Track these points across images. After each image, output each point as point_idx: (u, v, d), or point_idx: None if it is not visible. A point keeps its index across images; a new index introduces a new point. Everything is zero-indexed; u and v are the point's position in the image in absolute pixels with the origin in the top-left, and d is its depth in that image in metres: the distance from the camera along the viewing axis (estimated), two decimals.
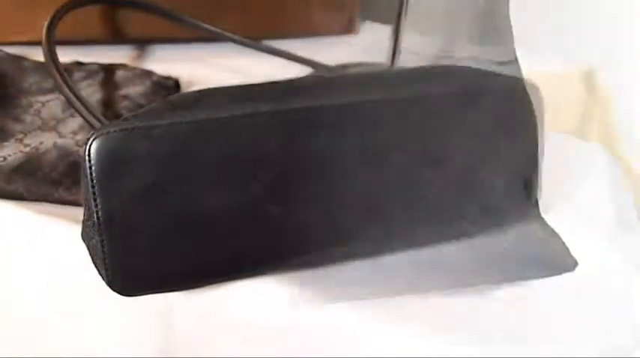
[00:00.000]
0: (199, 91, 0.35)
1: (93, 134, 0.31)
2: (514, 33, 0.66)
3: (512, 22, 0.63)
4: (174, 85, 0.54)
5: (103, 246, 0.32)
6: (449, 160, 0.37)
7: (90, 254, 0.33)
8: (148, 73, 0.54)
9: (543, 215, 0.41)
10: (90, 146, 0.31)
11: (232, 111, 0.33)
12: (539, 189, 0.40)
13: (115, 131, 0.31)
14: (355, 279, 0.36)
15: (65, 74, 0.44)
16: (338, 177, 0.34)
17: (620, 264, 0.39)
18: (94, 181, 0.31)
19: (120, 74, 0.54)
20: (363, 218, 0.35)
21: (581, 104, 0.60)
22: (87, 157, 0.31)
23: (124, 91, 0.51)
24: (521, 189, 0.39)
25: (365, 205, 0.35)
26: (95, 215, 0.31)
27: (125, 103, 0.49)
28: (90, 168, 0.31)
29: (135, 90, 0.51)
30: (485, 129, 0.37)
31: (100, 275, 0.32)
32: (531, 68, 0.41)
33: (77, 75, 0.54)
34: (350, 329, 0.34)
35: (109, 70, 0.54)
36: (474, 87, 0.37)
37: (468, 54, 0.63)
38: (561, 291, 0.37)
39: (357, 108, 0.35)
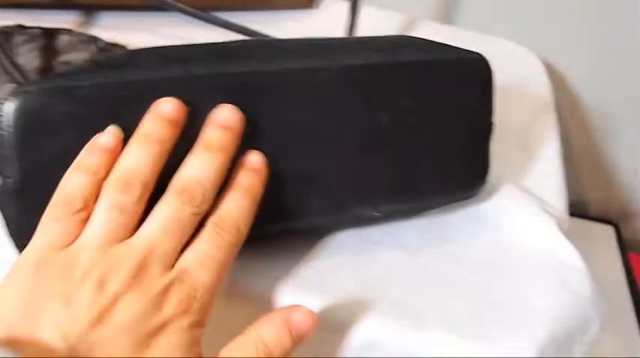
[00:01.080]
0: (130, 51, 0.32)
1: (10, 93, 0.29)
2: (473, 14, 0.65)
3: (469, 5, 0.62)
4: None
5: (19, 215, 0.30)
6: (398, 130, 0.35)
7: (5, 224, 0.30)
8: (94, 39, 0.51)
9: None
10: (6, 105, 0.29)
11: (163, 73, 0.31)
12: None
13: (35, 90, 0.29)
14: None
15: None
16: (276, 144, 0.32)
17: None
18: (10, 144, 0.29)
19: (63, 39, 0.51)
20: (307, 188, 0.34)
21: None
22: (1, 118, 0.29)
23: (66, 57, 0.49)
24: (473, 159, 0.38)
25: (308, 175, 0.33)
26: (11, 181, 0.29)
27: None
28: (5, 129, 0.29)
29: (78, 56, 0.49)
30: (438, 100, 0.36)
31: (17, 246, 0.30)
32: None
33: (18, 39, 0.51)
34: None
35: (52, 34, 0.51)
36: (426, 57, 0.36)
37: (426, 30, 0.62)
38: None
39: (298, 74, 0.33)
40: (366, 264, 0.36)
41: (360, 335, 0.33)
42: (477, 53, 0.37)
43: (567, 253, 0.38)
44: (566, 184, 0.46)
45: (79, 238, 0.28)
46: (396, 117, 0.34)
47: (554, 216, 0.40)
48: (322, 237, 0.37)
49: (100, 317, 0.26)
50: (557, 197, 0.43)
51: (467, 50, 0.37)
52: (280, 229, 0.34)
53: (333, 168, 0.34)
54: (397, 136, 0.35)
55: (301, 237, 0.37)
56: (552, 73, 0.70)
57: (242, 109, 0.31)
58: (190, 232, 0.29)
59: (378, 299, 0.34)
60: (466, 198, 0.39)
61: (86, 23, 0.57)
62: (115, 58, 0.32)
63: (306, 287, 0.34)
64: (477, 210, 0.40)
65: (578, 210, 0.78)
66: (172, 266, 0.29)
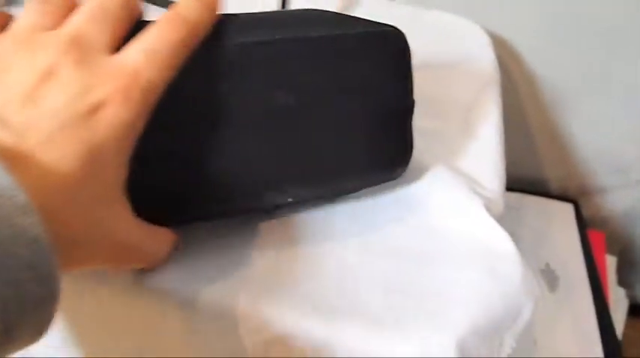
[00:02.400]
0: None
1: None
2: None
3: None
4: None
5: None
6: (304, 110, 0.33)
7: None
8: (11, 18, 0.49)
9: None
10: None
11: None
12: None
13: None
14: None
15: None
16: (174, 123, 0.30)
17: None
18: None
19: None
20: (211, 174, 0.32)
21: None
22: None
23: None
24: (390, 139, 0.36)
25: (210, 160, 0.31)
26: None
27: None
28: None
29: None
30: (345, 78, 0.34)
31: None
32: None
33: None
34: None
35: None
36: (330, 32, 0.33)
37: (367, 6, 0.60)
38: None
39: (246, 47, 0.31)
40: (284, 254, 0.34)
41: (268, 330, 0.31)
42: (391, 26, 0.35)
43: (497, 238, 0.36)
44: (504, 163, 0.44)
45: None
46: (301, 98, 0.32)
47: (486, 198, 0.39)
48: (246, 226, 0.35)
49: (30, 98, 0.26)
50: (492, 177, 0.42)
51: (380, 23, 0.35)
52: (191, 217, 0.33)
53: (236, 152, 0.32)
54: (303, 117, 0.33)
55: (224, 228, 0.35)
56: (506, 47, 0.68)
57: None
58: (122, 24, 0.29)
59: (291, 291, 0.32)
60: (387, 180, 0.37)
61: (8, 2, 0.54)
62: None
63: (216, 278, 0.32)
64: (406, 192, 0.39)
65: (537, 188, 0.76)
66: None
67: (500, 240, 0.36)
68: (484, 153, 0.43)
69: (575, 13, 0.65)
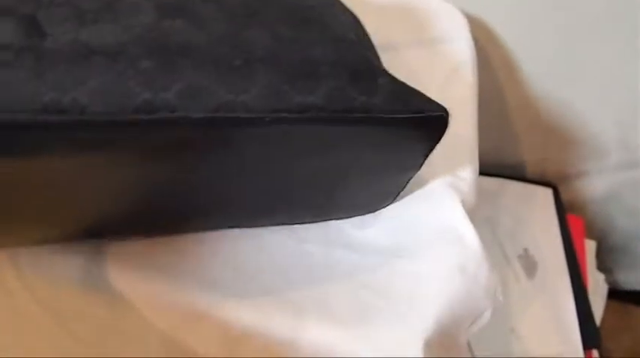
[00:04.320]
0: None
1: None
2: None
3: None
4: None
5: None
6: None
7: None
8: None
9: None
10: None
11: None
12: None
13: None
14: None
15: None
16: None
17: None
18: None
19: None
20: None
21: None
22: None
23: None
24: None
25: None
26: None
27: None
28: None
29: None
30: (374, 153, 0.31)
31: None
32: None
33: None
34: None
35: None
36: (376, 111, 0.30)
37: None
38: None
39: None
40: (247, 250, 0.33)
41: (231, 326, 0.30)
42: (438, 105, 0.32)
43: (468, 236, 0.35)
44: (477, 149, 0.43)
45: None
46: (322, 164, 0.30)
47: (460, 191, 0.37)
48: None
49: None
50: (466, 164, 0.40)
51: (426, 99, 0.31)
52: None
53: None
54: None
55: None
56: (483, 29, 0.67)
57: None
58: None
59: (253, 287, 0.31)
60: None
61: None
62: None
63: (175, 276, 0.31)
64: None
65: (516, 172, 0.75)
66: None
67: (471, 240, 0.34)
68: (458, 139, 0.42)
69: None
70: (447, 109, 0.31)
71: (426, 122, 0.30)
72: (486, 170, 0.72)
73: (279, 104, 0.26)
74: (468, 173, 0.40)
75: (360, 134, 0.28)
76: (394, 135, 0.30)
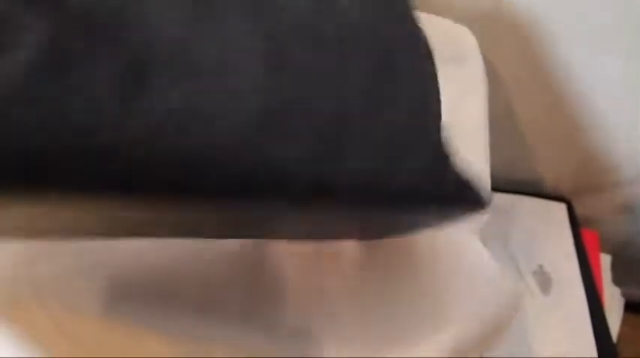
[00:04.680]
0: None
1: None
2: None
3: None
4: None
5: None
6: None
7: None
8: None
9: None
10: None
11: None
12: None
13: None
14: None
15: None
16: None
17: None
18: None
19: None
20: None
21: None
22: None
23: None
24: None
25: None
26: None
27: None
28: None
29: None
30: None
31: None
32: None
33: None
34: None
35: None
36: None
37: None
38: None
39: None
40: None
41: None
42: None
43: (485, 264, 0.35)
44: (489, 169, 0.43)
45: None
46: None
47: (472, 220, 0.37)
48: None
49: None
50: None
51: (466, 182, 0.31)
52: None
53: None
54: None
55: None
56: (493, 45, 0.67)
57: None
58: None
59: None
60: None
61: None
62: None
63: None
64: None
65: (529, 188, 0.76)
66: None
67: (488, 268, 0.35)
68: (470, 161, 0.43)
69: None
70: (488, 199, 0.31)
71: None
72: (500, 186, 0.73)
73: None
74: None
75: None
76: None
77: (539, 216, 0.71)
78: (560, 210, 0.73)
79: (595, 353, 0.57)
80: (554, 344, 0.58)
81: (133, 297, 0.32)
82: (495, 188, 0.71)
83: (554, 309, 0.61)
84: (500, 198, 0.72)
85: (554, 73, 0.69)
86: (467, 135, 0.45)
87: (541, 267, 0.65)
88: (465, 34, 0.57)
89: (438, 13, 0.58)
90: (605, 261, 0.73)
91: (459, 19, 0.59)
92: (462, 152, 0.43)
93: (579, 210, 0.73)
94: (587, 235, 0.72)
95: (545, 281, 0.64)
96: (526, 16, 0.65)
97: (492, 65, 0.68)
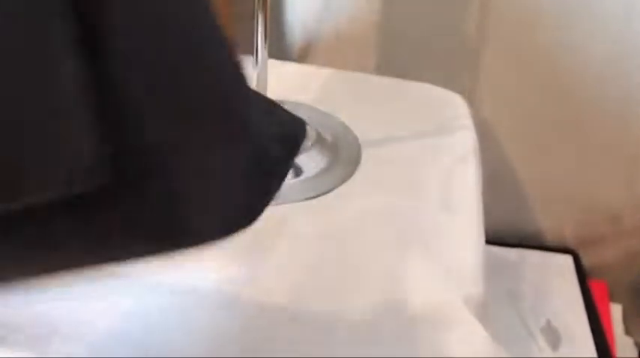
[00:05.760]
0: None
1: None
2: None
3: None
4: None
5: None
6: None
7: None
8: None
9: None
10: None
11: None
12: None
13: None
14: None
15: None
16: None
17: None
18: None
19: None
20: None
21: None
22: None
23: None
24: None
25: None
26: None
27: None
28: None
29: None
30: None
31: None
32: None
33: None
34: None
35: None
36: None
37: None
38: None
39: None
40: None
41: None
42: None
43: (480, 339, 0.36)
44: (484, 240, 0.44)
45: None
46: None
47: (465, 294, 0.38)
48: None
49: None
50: (472, 259, 0.42)
51: None
52: None
53: None
54: None
55: None
56: (489, 105, 0.69)
57: None
58: None
59: None
60: None
61: None
62: None
63: None
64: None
65: (534, 240, 0.76)
66: None
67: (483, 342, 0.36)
68: (463, 234, 0.44)
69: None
70: None
71: None
72: (505, 241, 0.74)
73: None
74: (474, 271, 0.41)
75: None
76: None
77: (545, 270, 0.72)
78: (566, 262, 0.73)
79: None
80: None
81: None
82: (500, 243, 0.72)
83: None
84: (505, 253, 0.73)
85: (546, 122, 0.70)
86: (460, 206, 0.47)
87: (549, 322, 0.65)
88: (456, 102, 0.59)
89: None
90: (615, 311, 0.73)
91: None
92: (457, 224, 0.44)
93: (586, 261, 0.74)
94: (596, 286, 0.72)
95: (554, 337, 0.64)
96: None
97: (487, 123, 0.70)
